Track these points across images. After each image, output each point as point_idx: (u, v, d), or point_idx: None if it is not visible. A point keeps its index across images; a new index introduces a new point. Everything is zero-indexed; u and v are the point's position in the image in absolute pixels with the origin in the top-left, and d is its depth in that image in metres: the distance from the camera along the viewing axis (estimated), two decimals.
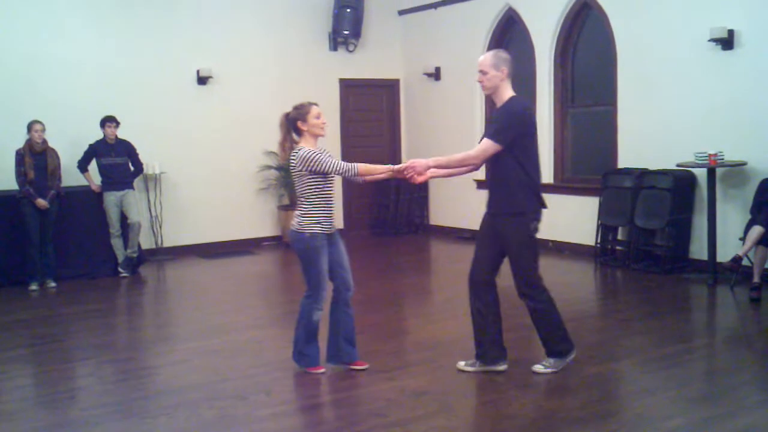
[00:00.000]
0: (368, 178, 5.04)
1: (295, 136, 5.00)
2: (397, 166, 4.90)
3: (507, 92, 4.84)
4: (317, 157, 4.82)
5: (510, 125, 4.73)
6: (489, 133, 4.77)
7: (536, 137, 4.95)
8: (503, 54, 4.90)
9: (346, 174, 4.85)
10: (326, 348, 5.19)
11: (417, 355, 5.65)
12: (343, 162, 4.92)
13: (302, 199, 4.93)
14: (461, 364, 5.10)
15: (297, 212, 4.96)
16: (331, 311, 5.14)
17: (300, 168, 4.86)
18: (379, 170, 4.98)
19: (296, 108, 4.99)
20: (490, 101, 10.49)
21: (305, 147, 4.88)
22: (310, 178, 4.86)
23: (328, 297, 5.11)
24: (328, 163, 4.81)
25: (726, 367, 5.34)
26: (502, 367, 5.00)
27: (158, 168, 9.73)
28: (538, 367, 5.00)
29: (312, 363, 5.10)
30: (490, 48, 10.42)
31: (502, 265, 5.01)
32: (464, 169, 5.10)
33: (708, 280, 7.49)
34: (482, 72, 4.83)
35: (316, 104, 4.99)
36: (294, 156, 4.88)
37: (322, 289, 4.98)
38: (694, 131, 7.97)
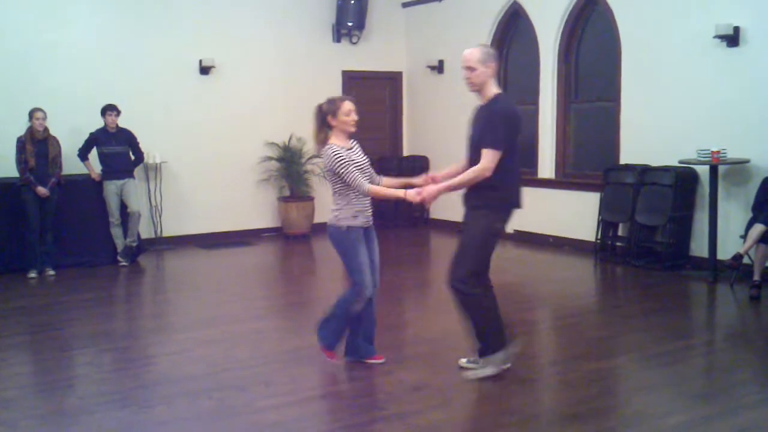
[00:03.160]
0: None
1: (327, 130, 4.91)
2: (409, 195, 4.72)
3: (492, 89, 4.70)
4: (340, 161, 4.74)
5: (502, 127, 4.60)
6: (487, 142, 4.58)
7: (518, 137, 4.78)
8: (490, 50, 4.78)
9: (357, 190, 4.77)
10: (344, 344, 5.14)
11: (416, 348, 5.64)
12: (358, 178, 4.76)
13: (336, 195, 4.87)
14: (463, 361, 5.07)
15: (333, 207, 4.90)
16: None
17: (327, 166, 4.83)
18: (390, 195, 4.89)
19: (329, 101, 4.90)
20: None
21: (334, 145, 4.81)
22: (339, 176, 4.80)
23: None
24: (346, 173, 4.74)
25: (726, 364, 5.34)
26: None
27: (159, 157, 9.71)
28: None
29: (330, 343, 5.04)
30: (494, 41, 10.39)
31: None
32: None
33: (708, 278, 7.48)
34: (470, 68, 4.64)
35: (349, 99, 4.89)
36: (323, 153, 4.84)
37: (366, 280, 4.87)
38: (697, 128, 7.94)
